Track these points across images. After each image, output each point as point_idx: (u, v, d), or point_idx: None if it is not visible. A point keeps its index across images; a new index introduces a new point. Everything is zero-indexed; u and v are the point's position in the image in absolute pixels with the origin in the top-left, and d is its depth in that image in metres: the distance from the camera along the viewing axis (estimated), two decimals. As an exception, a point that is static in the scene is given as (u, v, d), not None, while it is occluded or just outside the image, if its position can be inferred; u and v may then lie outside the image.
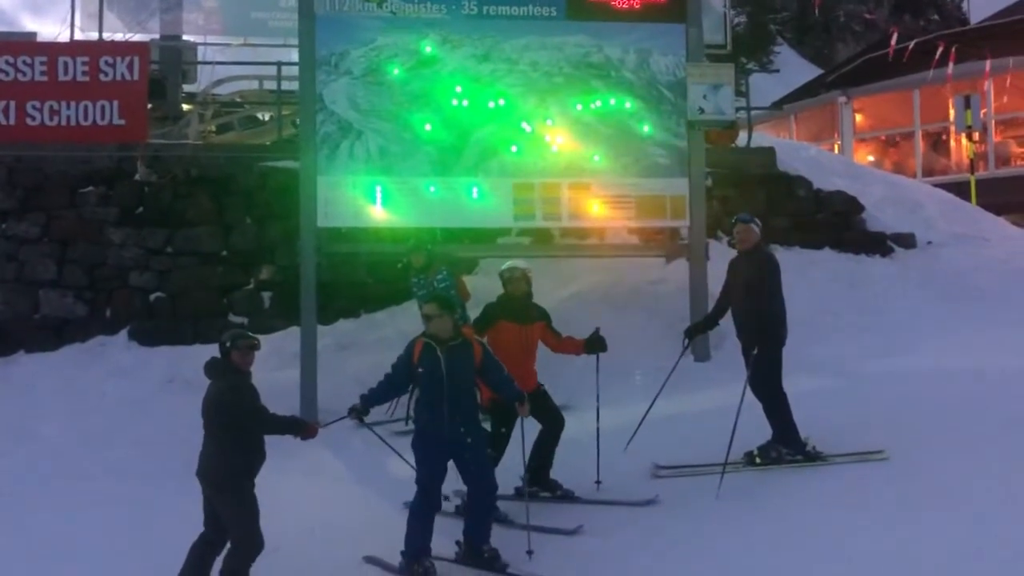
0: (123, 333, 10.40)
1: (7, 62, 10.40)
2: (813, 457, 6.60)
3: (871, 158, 21.07)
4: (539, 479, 6.45)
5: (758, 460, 6.66)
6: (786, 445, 6.66)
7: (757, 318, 6.69)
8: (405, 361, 5.73)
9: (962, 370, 8.25)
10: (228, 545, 5.26)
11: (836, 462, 6.53)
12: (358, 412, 5.72)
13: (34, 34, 13.39)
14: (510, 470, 6.33)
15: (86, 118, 10.53)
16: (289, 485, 6.51)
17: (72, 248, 10.69)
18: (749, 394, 6.67)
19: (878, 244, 11.84)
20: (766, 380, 6.65)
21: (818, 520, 5.69)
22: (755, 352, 6.62)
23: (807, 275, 10.51)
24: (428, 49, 9.24)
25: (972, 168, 17.76)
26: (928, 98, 20.37)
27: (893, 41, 18.98)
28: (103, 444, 8.29)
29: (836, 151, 20.13)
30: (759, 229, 7.01)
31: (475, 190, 9.21)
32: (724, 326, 8.46)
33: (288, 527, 5.85)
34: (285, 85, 11.56)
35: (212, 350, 6.07)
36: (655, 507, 6.25)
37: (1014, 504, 5.51)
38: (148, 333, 10.37)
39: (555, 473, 6.60)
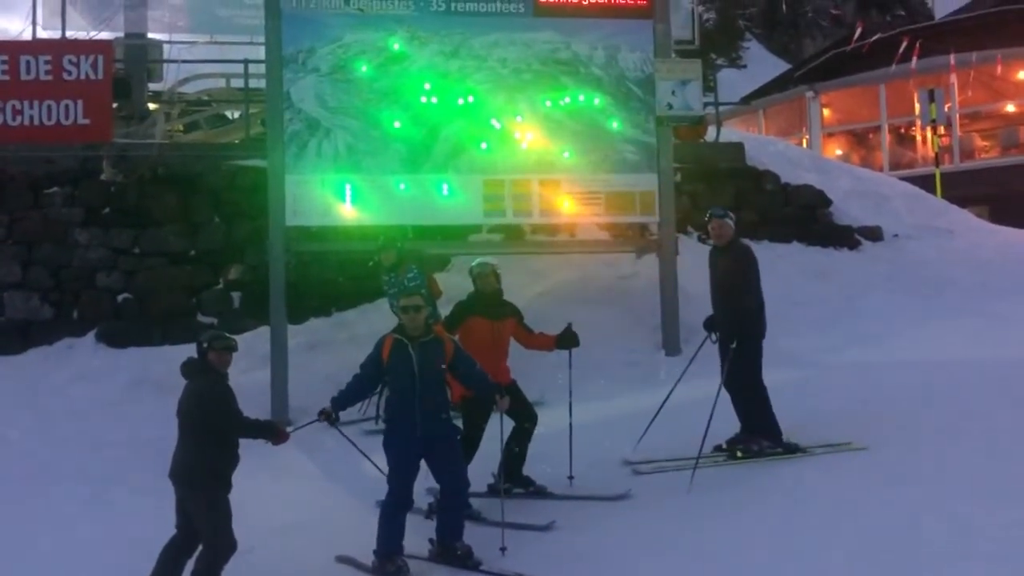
0: (90, 335, 10.27)
1: (-33, 61, 10.21)
2: (792, 449, 6.66)
3: (839, 152, 21.29)
4: (512, 476, 6.47)
5: (739, 454, 6.69)
6: (766, 438, 6.70)
7: (735, 312, 6.73)
8: (375, 359, 5.71)
9: (929, 361, 8.37)
10: (200, 547, 5.21)
11: (815, 453, 6.59)
12: (328, 415, 5.68)
13: (-5, 32, 13.16)
14: (483, 467, 6.33)
15: (50, 118, 10.37)
16: (261, 486, 6.47)
17: (37, 249, 10.55)
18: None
19: (845, 237, 11.98)
20: (745, 374, 6.67)
21: (795, 511, 5.73)
22: (733, 346, 6.63)
23: (775, 268, 10.55)
24: (396, 46, 9.21)
25: (937, 161, 18.00)
26: (894, 92, 20.61)
27: (857, 36, 19.19)
28: (72, 447, 8.18)
29: (804, 146, 20.30)
30: (733, 223, 7.04)
31: (445, 187, 9.20)
32: (694, 320, 8.55)
33: (260, 528, 5.82)
34: (252, 83, 11.46)
35: (181, 351, 6.04)
36: (629, 502, 6.28)
37: (988, 492, 5.58)
38: (116, 334, 10.25)
39: (528, 469, 6.61)
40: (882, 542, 5.18)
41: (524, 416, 6.52)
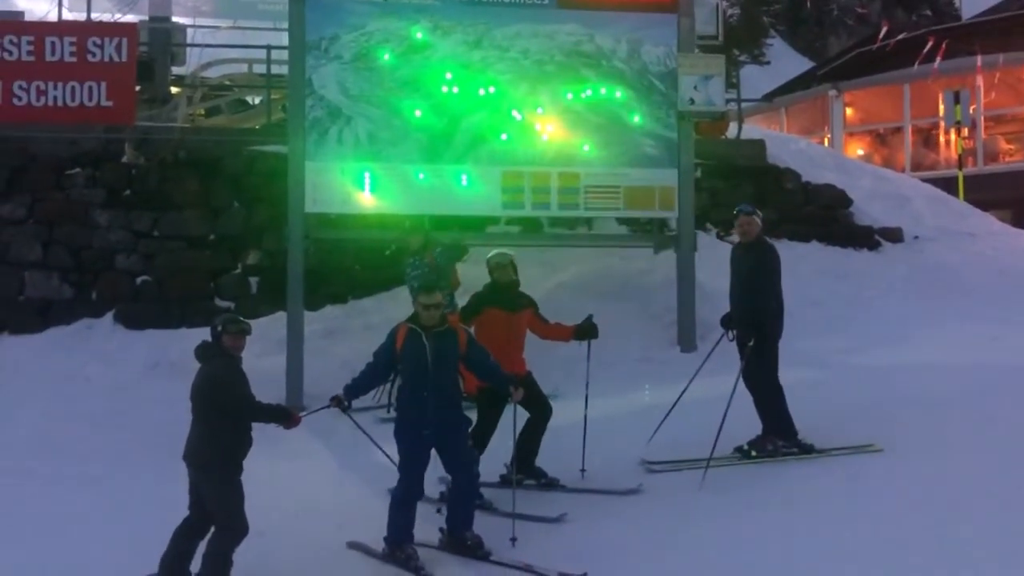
0: (108, 316, 10.35)
1: (-6, 41, 10.30)
2: (807, 450, 6.61)
3: (861, 152, 21.13)
4: (524, 467, 6.47)
5: (753, 453, 6.66)
6: (781, 437, 6.67)
7: (754, 310, 6.68)
8: (388, 348, 5.72)
9: (948, 364, 8.30)
10: (212, 529, 5.25)
11: (831, 454, 6.55)
12: (339, 402, 5.69)
13: (21, 13, 13.25)
14: (496, 457, 6.34)
15: (73, 99, 10.47)
16: (274, 470, 6.51)
17: (58, 230, 10.63)
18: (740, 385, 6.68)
19: (865, 238, 11.89)
20: (762, 373, 6.64)
21: (809, 513, 5.70)
22: (751, 344, 6.61)
23: (794, 268, 10.47)
24: (419, 35, 9.20)
25: (960, 164, 17.83)
26: (919, 93, 20.42)
27: (883, 35, 19.02)
28: (88, 427, 8.25)
29: (826, 145, 20.16)
30: (761, 220, 7.00)
31: (464, 177, 9.19)
32: (711, 317, 8.51)
33: (272, 512, 5.85)
34: (275, 69, 11.51)
35: (198, 334, 6.08)
36: (640, 497, 6.27)
37: (1006, 498, 5.54)
38: (134, 316, 10.32)
39: (540, 461, 6.61)
40: (897, 545, 5.15)
41: (538, 408, 6.52)
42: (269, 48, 11.52)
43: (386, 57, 9.15)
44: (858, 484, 6.02)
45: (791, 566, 5.11)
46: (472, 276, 8.45)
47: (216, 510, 5.21)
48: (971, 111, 18.56)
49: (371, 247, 10.03)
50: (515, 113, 9.28)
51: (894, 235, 12.00)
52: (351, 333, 9.69)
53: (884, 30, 19.64)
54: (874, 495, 5.85)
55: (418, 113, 9.13)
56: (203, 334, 5.67)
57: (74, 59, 10.45)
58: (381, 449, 5.91)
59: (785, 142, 13.97)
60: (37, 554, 5.95)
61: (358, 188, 9.05)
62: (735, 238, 7.62)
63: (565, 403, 7.22)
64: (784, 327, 6.90)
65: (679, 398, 7.15)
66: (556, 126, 9.32)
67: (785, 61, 30.07)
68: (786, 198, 11.93)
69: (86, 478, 7.21)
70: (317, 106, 9.05)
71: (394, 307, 9.47)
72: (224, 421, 5.23)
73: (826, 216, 12.01)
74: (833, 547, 5.24)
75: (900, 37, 21.26)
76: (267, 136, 11.11)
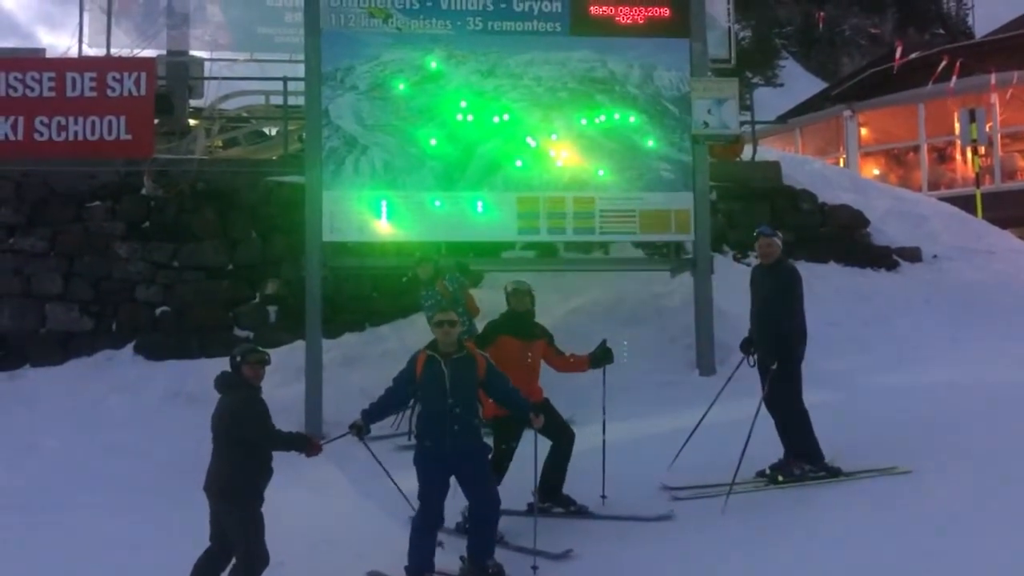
0: (129, 347, 10.43)
1: (16, 78, 10.47)
2: (835, 473, 6.53)
3: (876, 172, 21.06)
4: (552, 495, 6.43)
5: (780, 478, 6.58)
6: (808, 461, 6.60)
7: (777, 332, 6.63)
8: (407, 375, 5.72)
9: (970, 384, 8.22)
10: (233, 559, 5.24)
11: (857, 478, 6.47)
12: (359, 428, 5.69)
13: (43, 50, 13.47)
14: (520, 486, 6.28)
15: (93, 133, 10.58)
16: (294, 500, 6.50)
17: (78, 262, 10.75)
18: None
19: (883, 258, 11.84)
20: (785, 396, 6.58)
21: (836, 537, 5.63)
22: (773, 367, 6.56)
23: (812, 289, 10.38)
24: (433, 64, 9.29)
25: (978, 182, 17.74)
26: (933, 112, 20.38)
27: (898, 55, 19.02)
28: (109, 457, 8.30)
29: (842, 165, 20.12)
30: (781, 242, 6.98)
31: (480, 204, 9.24)
32: (729, 340, 8.47)
33: (292, 541, 5.83)
34: (291, 100, 11.62)
35: (217, 364, 6.09)
36: (663, 525, 6.20)
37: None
38: (153, 347, 10.39)
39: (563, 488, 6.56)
40: (926, 569, 5.07)
41: (560, 435, 6.48)
42: (286, 80, 11.65)
43: (401, 87, 9.24)
44: (885, 508, 5.94)
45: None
46: (490, 302, 8.47)
47: (237, 540, 5.21)
48: (987, 129, 18.49)
49: (388, 274, 10.06)
50: (529, 140, 9.34)
51: (912, 255, 11.94)
52: (369, 360, 9.71)
53: (898, 50, 19.62)
54: (901, 518, 5.77)
55: (433, 142, 9.20)
56: (222, 364, 5.69)
57: (94, 94, 10.59)
58: (390, 476, 5.89)
59: (800, 163, 13.97)
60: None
61: (375, 216, 9.11)
62: (756, 260, 7.58)
63: (583, 428, 7.18)
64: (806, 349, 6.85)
65: (700, 422, 7.10)
66: (570, 151, 9.37)
67: (798, 83, 30.11)
68: (802, 219, 11.91)
69: (107, 508, 7.22)
70: (333, 136, 9.14)
71: (411, 334, 9.50)
72: (245, 451, 5.23)
73: (843, 236, 11.98)
74: (862, 572, 5.16)
75: (914, 56, 21.26)
76: (284, 167, 11.21)
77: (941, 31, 33.26)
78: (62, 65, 11.10)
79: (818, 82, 30.58)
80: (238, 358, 5.37)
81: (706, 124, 9.39)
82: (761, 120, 15.42)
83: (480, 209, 9.24)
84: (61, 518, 7.08)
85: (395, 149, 9.18)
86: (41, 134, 10.52)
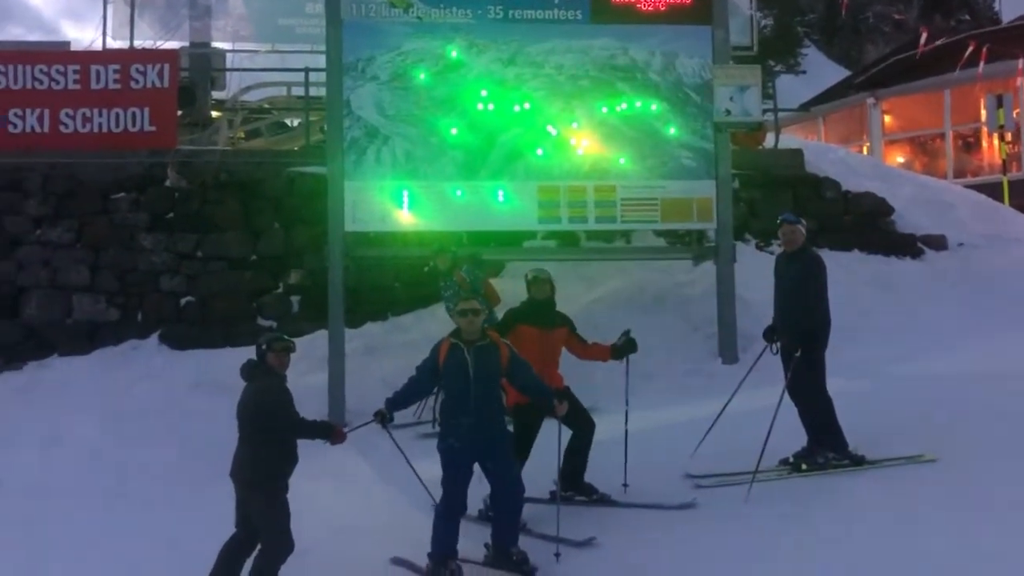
0: (154, 337, 10.54)
1: (42, 71, 10.59)
2: (858, 461, 6.50)
3: (901, 159, 20.84)
4: (574, 484, 6.43)
5: (804, 466, 6.55)
6: (831, 449, 6.57)
7: (801, 320, 6.59)
8: (431, 363, 5.73)
9: (997, 372, 8.14)
10: (259, 546, 5.29)
11: (882, 465, 6.43)
12: (382, 416, 5.72)
13: (67, 43, 13.59)
14: (542, 474, 6.30)
15: (118, 125, 10.70)
16: (318, 487, 6.55)
17: (104, 253, 10.85)
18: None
19: (908, 246, 11.73)
20: (809, 384, 6.54)
21: (860, 526, 5.59)
22: (797, 355, 6.52)
23: (836, 277, 10.35)
24: (454, 54, 9.29)
25: (1005, 168, 17.51)
26: (959, 98, 20.11)
27: (923, 41, 18.78)
28: (135, 445, 8.39)
29: (865, 153, 19.91)
30: (805, 229, 6.93)
31: (501, 193, 9.24)
32: (752, 329, 8.43)
33: (317, 529, 5.88)
34: (313, 91, 11.65)
35: (241, 353, 6.15)
36: (686, 512, 6.19)
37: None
38: (178, 337, 10.49)
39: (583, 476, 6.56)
40: (951, 558, 5.04)
41: (581, 423, 6.48)
42: (307, 71, 11.69)
43: (422, 76, 9.25)
44: (911, 496, 5.91)
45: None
46: (508, 291, 8.48)
47: (263, 527, 5.25)
48: (1015, 115, 18.23)
49: (410, 264, 10.10)
50: (550, 128, 9.32)
51: (938, 242, 11.82)
52: (391, 350, 9.75)
53: (923, 36, 19.36)
54: (927, 507, 5.73)
55: (454, 131, 9.20)
56: (246, 353, 5.74)
57: (118, 86, 10.70)
58: (410, 465, 5.92)
59: (824, 151, 13.85)
60: (86, 570, 6.04)
61: (396, 206, 9.14)
62: (779, 248, 7.53)
63: (605, 417, 7.17)
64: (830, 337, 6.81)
65: (722, 411, 7.08)
66: (592, 140, 9.34)
67: (821, 70, 29.79)
68: (826, 207, 11.82)
69: (135, 495, 7.32)
70: (355, 126, 9.17)
71: (433, 323, 9.53)
72: (270, 439, 5.27)
73: (867, 224, 11.87)
74: (887, 561, 5.13)
75: (939, 42, 20.99)
76: (306, 157, 11.26)
77: (967, 17, 32.78)
78: (86, 58, 11.21)
79: (841, 70, 30.25)
80: (264, 346, 5.41)
81: (728, 112, 9.33)
82: (784, 108, 15.28)
83: (501, 198, 9.24)
84: (88, 504, 7.19)
85: (416, 139, 9.19)
86: (66, 126, 10.65)
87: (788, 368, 6.60)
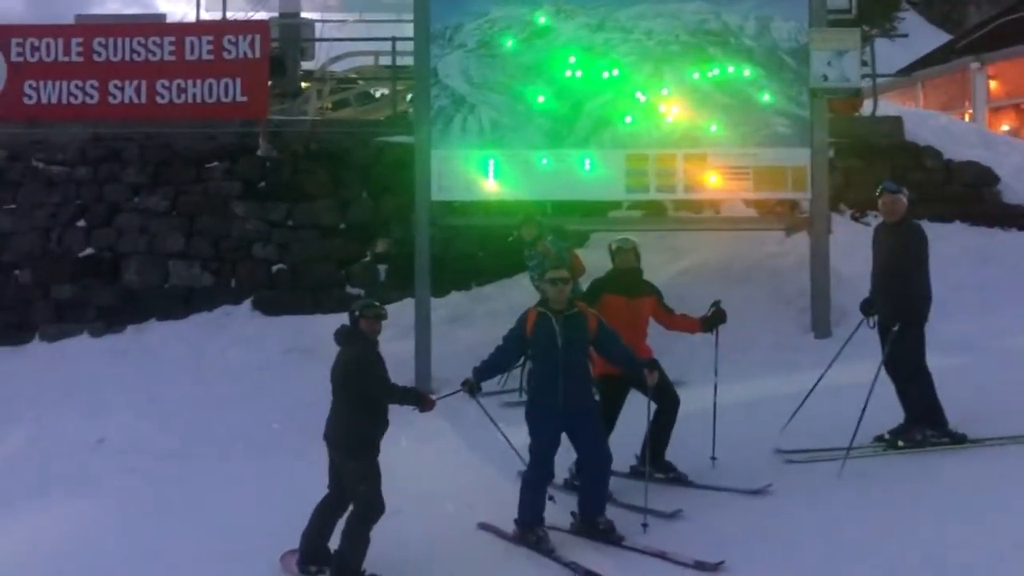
0: (247, 303, 10.83)
1: (139, 43, 10.88)
2: (959, 440, 6.26)
3: (1007, 128, 19.84)
4: (654, 460, 6.34)
5: (900, 443, 6.34)
6: (930, 427, 6.35)
7: (900, 293, 6.36)
8: (518, 332, 5.71)
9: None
10: (351, 506, 5.39)
11: (986, 445, 6.18)
12: (471, 385, 5.74)
13: (163, 15, 13.94)
14: (626, 448, 6.23)
15: (211, 95, 10.94)
16: (407, 452, 6.63)
17: (199, 221, 11.16)
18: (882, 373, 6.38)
19: (1014, 217, 11.20)
20: (907, 359, 6.31)
21: (966, 508, 5.38)
22: (896, 329, 6.29)
23: (935, 250, 9.92)
24: (542, 20, 9.19)
25: (1120, 137, 16.50)
26: (1072, 62, 19.02)
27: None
28: (229, 408, 8.66)
29: (967, 120, 19.01)
30: (907, 199, 6.66)
31: (587, 162, 9.13)
32: (846, 303, 8.16)
33: (406, 493, 5.94)
34: (399, 60, 11.69)
35: (331, 320, 6.26)
36: (777, 487, 6.03)
37: None
38: (270, 303, 10.76)
39: (670, 449, 6.47)
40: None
41: (666, 398, 6.38)
42: (394, 40, 11.73)
43: (509, 43, 9.17)
44: (1015, 479, 5.65)
45: (940, 567, 4.82)
46: (593, 261, 8.39)
47: (355, 489, 5.34)
48: None
49: (494, 233, 10.08)
50: (639, 95, 9.15)
51: (1047, 214, 11.24)
52: (475, 319, 9.80)
53: (1032, -4, 18.36)
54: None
55: (541, 99, 9.12)
56: (335, 320, 5.83)
57: (211, 57, 10.92)
58: (501, 432, 5.93)
59: (924, 118, 13.27)
60: (182, 528, 6.27)
61: (482, 175, 9.12)
62: (877, 219, 7.25)
63: (693, 390, 7.08)
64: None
65: (815, 385, 6.89)
66: (682, 107, 9.14)
67: (919, 34, 28.49)
68: (926, 177, 11.35)
69: (231, 456, 7.55)
70: (442, 95, 9.16)
71: (517, 293, 9.52)
72: (363, 403, 5.34)
73: (970, 195, 11.37)
74: (987, 545, 4.93)
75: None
76: (393, 127, 11.34)
77: (1081, -25, 30.86)
78: (181, 30, 11.48)
79: (941, 34, 28.93)
80: (356, 312, 5.48)
81: (825, 77, 9.00)
82: (882, 74, 14.67)
83: (588, 167, 9.13)
84: (186, 464, 7.44)
85: (503, 107, 9.14)
86: (163, 96, 10.93)
87: (886, 343, 6.38)
